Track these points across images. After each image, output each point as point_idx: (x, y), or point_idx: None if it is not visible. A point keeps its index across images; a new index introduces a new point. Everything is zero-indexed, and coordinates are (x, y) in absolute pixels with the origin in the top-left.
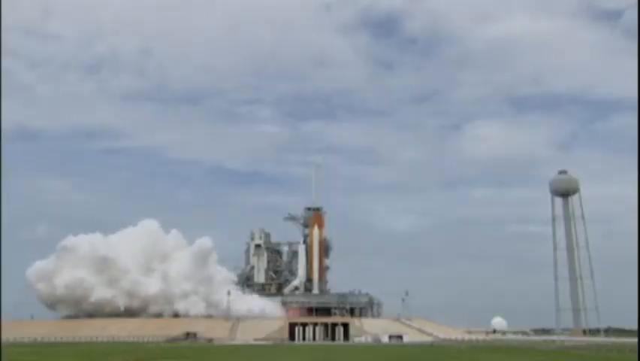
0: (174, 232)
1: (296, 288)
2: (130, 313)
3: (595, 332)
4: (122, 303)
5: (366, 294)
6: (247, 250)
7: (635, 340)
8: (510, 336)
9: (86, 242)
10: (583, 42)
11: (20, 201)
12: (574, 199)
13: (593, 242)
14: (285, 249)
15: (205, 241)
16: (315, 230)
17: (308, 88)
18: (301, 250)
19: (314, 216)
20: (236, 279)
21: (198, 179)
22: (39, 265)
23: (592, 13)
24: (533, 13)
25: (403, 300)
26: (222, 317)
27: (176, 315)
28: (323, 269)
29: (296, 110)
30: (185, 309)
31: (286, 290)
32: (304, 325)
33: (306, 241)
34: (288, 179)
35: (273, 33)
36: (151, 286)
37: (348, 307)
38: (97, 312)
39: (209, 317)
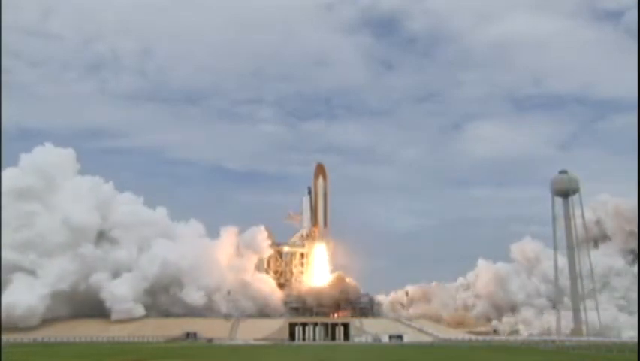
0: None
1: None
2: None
3: None
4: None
5: (366, 294)
6: None
7: (635, 340)
8: (510, 336)
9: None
10: (583, 42)
11: None
12: (574, 199)
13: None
14: (285, 249)
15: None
16: (320, 181)
17: (308, 88)
18: (305, 201)
19: (317, 168)
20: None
21: (198, 179)
22: None
23: (592, 13)
24: (534, 13)
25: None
26: (222, 316)
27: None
28: (327, 210)
29: (296, 110)
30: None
31: (286, 289)
32: (304, 325)
33: (310, 192)
34: (288, 179)
35: (273, 33)
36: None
37: (348, 307)
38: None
39: (209, 316)
